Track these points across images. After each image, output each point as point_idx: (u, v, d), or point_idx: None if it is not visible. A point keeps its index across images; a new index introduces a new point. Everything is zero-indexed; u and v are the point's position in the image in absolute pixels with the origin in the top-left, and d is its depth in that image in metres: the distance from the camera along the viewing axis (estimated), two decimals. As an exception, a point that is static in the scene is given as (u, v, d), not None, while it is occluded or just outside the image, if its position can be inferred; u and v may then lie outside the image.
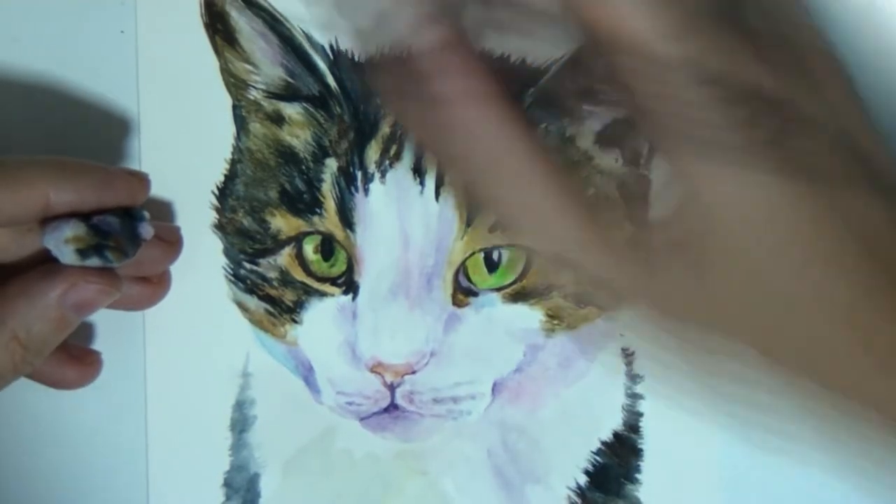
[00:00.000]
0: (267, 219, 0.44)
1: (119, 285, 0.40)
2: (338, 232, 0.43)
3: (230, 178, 0.44)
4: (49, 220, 0.38)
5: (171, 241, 0.43)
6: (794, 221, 0.31)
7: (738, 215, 0.31)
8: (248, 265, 0.44)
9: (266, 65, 0.43)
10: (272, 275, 0.44)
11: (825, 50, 0.35)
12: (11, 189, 0.37)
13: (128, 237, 0.39)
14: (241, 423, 0.45)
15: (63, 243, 0.38)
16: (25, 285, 0.39)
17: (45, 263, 0.39)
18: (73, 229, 0.38)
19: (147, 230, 0.40)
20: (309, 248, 0.43)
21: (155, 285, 0.43)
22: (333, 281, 0.43)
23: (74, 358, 0.42)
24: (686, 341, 0.33)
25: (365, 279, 0.43)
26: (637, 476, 0.44)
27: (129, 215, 0.40)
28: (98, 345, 0.44)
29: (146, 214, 0.40)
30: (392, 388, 0.43)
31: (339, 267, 0.43)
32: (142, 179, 0.41)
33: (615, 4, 0.31)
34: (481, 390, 0.44)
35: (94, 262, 0.38)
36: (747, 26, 0.32)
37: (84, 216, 0.38)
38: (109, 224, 0.39)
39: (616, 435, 0.44)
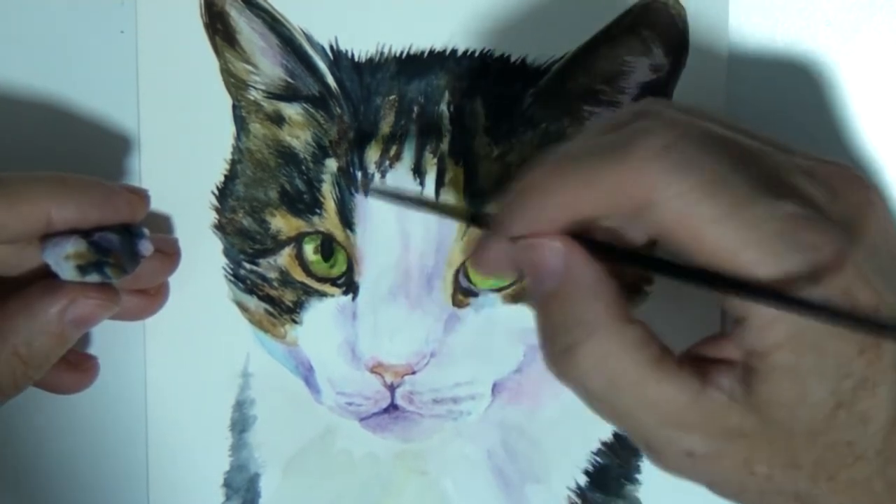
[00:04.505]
0: (267, 219, 0.44)
1: (118, 300, 0.40)
2: (338, 232, 0.43)
3: (230, 178, 0.44)
4: (49, 235, 0.38)
5: (170, 254, 0.43)
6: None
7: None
8: (248, 265, 0.44)
9: (266, 65, 0.43)
10: (272, 275, 0.44)
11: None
12: (13, 207, 0.37)
13: (127, 254, 0.39)
14: (241, 423, 0.45)
15: (63, 259, 0.38)
16: (26, 301, 0.39)
17: (44, 279, 0.39)
18: (73, 246, 0.38)
19: (146, 247, 0.40)
20: (309, 249, 0.43)
21: (153, 297, 0.43)
22: (333, 281, 0.43)
23: (71, 364, 0.43)
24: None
25: (365, 279, 0.43)
26: (637, 476, 0.44)
27: (129, 232, 0.40)
28: (98, 345, 0.44)
29: (146, 231, 0.40)
30: (392, 388, 0.43)
31: (339, 267, 0.43)
32: (142, 197, 0.41)
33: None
34: (481, 390, 0.44)
35: (93, 277, 0.38)
36: None
37: (84, 232, 0.38)
38: (110, 241, 0.39)
39: (616, 435, 0.44)
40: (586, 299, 0.32)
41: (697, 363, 0.32)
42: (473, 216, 0.36)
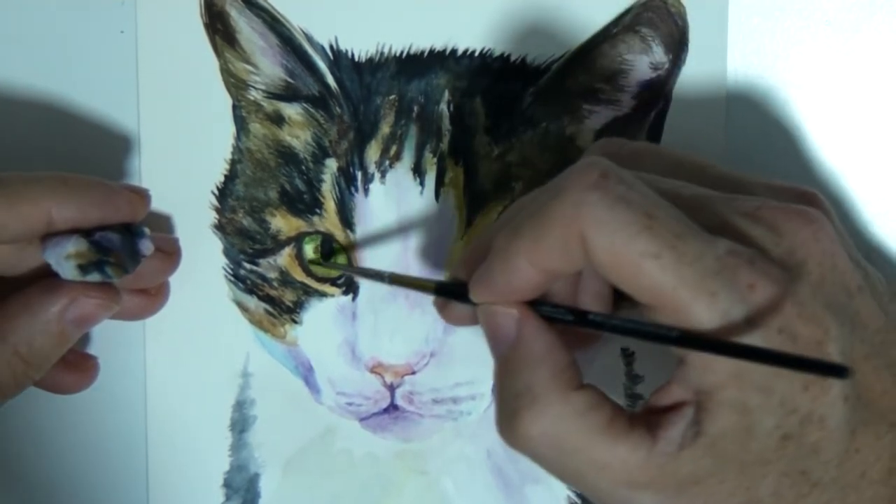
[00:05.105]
0: (267, 219, 0.44)
1: (118, 299, 0.40)
2: (338, 232, 0.43)
3: (230, 178, 0.44)
4: (50, 235, 0.38)
5: (170, 253, 0.43)
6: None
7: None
8: (248, 265, 0.44)
9: (266, 65, 0.43)
10: (272, 275, 0.44)
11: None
12: (14, 207, 0.37)
13: (128, 253, 0.39)
14: (240, 423, 0.45)
15: (64, 259, 0.38)
16: (26, 301, 0.39)
17: (45, 278, 0.39)
18: (74, 245, 0.38)
19: (147, 246, 0.40)
20: (309, 249, 0.43)
21: (153, 296, 0.43)
22: (333, 281, 0.43)
23: (71, 364, 0.42)
24: None
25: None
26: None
27: (130, 231, 0.40)
28: (98, 345, 0.44)
29: (147, 231, 0.40)
30: (392, 388, 0.43)
31: (339, 267, 0.43)
32: (143, 196, 0.41)
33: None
34: (481, 390, 0.44)
35: (94, 277, 0.38)
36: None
37: (85, 232, 0.38)
38: (110, 240, 0.39)
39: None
40: (533, 366, 0.32)
41: (649, 417, 0.32)
42: (440, 287, 0.37)
